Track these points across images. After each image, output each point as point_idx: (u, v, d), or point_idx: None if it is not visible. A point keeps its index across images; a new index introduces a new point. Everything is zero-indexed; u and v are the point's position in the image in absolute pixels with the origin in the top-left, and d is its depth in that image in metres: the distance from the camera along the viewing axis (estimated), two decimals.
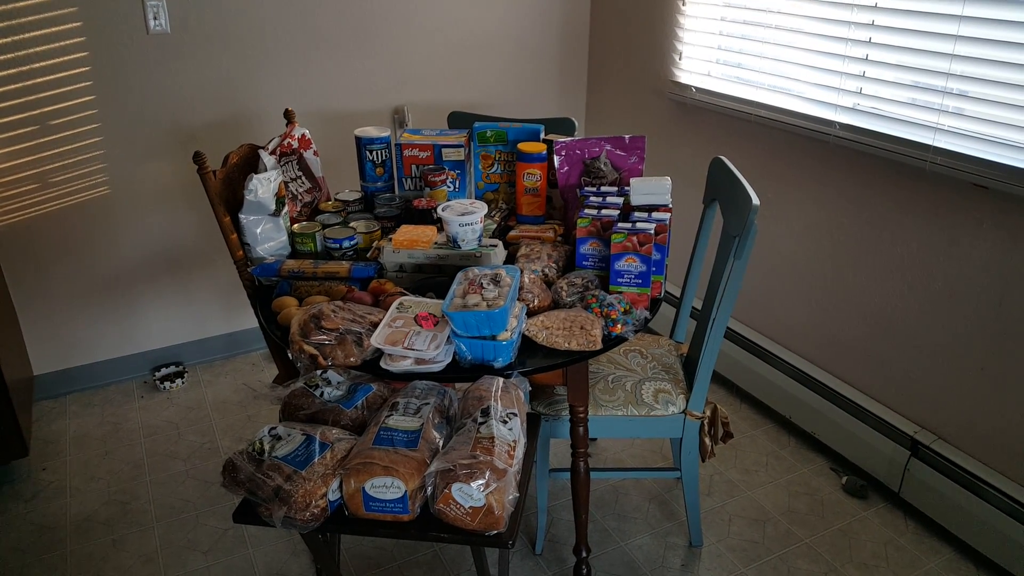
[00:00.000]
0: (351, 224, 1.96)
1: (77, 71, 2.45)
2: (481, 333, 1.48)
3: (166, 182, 2.70)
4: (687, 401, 1.89)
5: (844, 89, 2.21)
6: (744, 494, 2.28)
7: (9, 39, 2.33)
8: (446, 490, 1.32)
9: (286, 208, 1.95)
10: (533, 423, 1.72)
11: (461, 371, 1.52)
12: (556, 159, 1.96)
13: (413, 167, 2.12)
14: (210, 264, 2.87)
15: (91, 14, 2.41)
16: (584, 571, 1.92)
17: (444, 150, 2.09)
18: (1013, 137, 1.83)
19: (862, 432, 2.26)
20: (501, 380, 1.51)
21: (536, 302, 1.66)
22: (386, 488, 1.34)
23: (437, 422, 1.47)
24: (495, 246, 1.81)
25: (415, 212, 1.96)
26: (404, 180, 2.15)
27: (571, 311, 1.62)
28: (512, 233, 1.95)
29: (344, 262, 1.80)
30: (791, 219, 2.49)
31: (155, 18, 2.49)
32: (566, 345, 1.57)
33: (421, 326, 1.53)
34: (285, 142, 2.07)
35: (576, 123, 2.42)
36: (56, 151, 2.51)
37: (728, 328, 2.71)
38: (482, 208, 1.79)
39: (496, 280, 1.55)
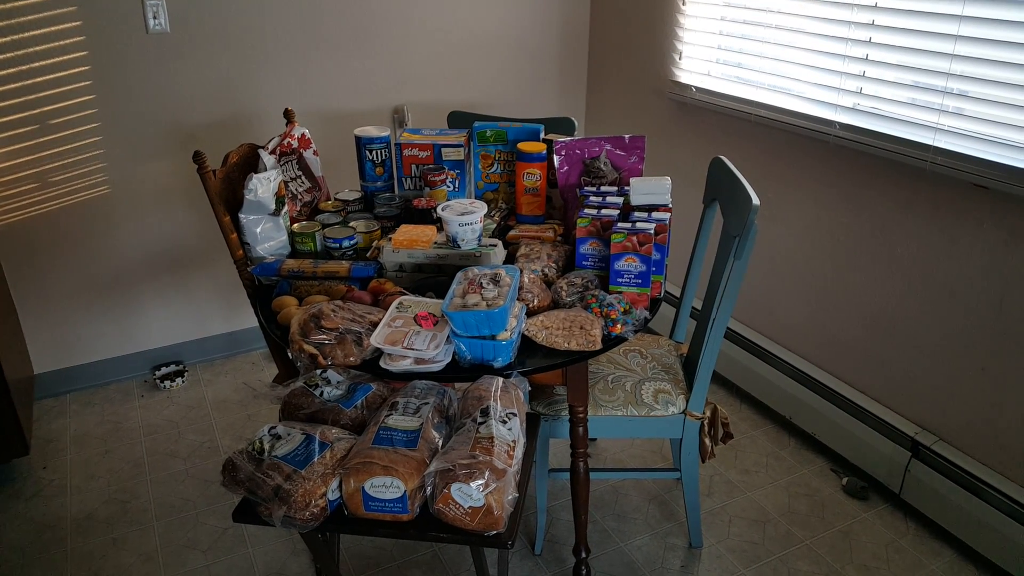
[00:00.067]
0: (351, 224, 1.96)
1: (77, 70, 2.45)
2: (481, 333, 1.48)
3: (166, 181, 2.70)
4: (687, 401, 1.89)
5: (844, 89, 2.21)
6: (744, 495, 2.28)
7: (9, 38, 2.33)
8: (445, 490, 1.32)
9: (286, 208, 1.95)
10: (533, 423, 1.71)
11: (461, 371, 1.51)
12: (556, 159, 1.96)
13: (413, 167, 2.12)
14: (210, 263, 2.87)
15: (91, 13, 2.41)
16: (583, 571, 1.92)
17: (444, 150, 2.08)
18: (1013, 137, 1.83)
19: (863, 433, 2.26)
20: (501, 380, 1.51)
21: (536, 302, 1.66)
22: (385, 488, 1.34)
23: (436, 422, 1.46)
24: (495, 246, 1.81)
25: (415, 212, 1.96)
26: (404, 180, 2.15)
27: (571, 311, 1.62)
28: (512, 233, 1.95)
29: (344, 262, 1.80)
30: (791, 219, 2.48)
31: (155, 17, 2.49)
32: (566, 345, 1.57)
33: (421, 326, 1.53)
34: (285, 142, 2.07)
35: (576, 123, 2.42)
36: (56, 151, 2.51)
37: (728, 328, 2.71)
38: (482, 208, 1.79)
39: (496, 280, 1.55)
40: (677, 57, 2.81)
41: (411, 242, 1.78)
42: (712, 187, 1.99)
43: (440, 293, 1.72)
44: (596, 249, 1.76)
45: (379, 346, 1.49)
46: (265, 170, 1.93)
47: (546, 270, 1.77)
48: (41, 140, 2.48)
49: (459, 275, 1.59)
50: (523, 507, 1.44)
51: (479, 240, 1.79)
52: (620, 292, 1.71)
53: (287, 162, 2.08)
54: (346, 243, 1.87)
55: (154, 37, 2.52)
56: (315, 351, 1.50)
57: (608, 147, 1.96)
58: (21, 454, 2.27)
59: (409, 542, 2.11)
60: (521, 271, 1.67)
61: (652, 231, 1.66)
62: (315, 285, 1.77)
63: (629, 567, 2.03)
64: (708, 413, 1.90)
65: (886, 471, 2.21)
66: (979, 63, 1.87)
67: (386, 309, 1.60)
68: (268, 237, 1.90)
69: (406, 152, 2.10)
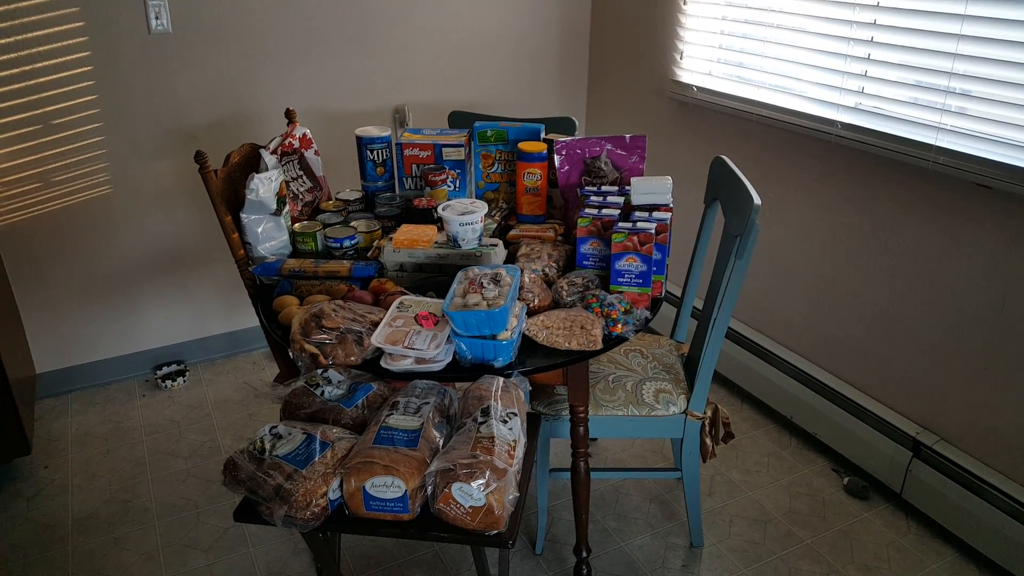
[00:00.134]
0: (352, 223, 1.97)
1: (79, 70, 2.46)
2: (481, 332, 1.48)
3: (168, 181, 2.70)
4: (688, 401, 1.89)
5: (846, 88, 2.21)
6: (745, 494, 2.28)
7: (11, 39, 2.34)
8: (446, 489, 1.32)
9: (287, 207, 1.95)
10: (533, 423, 1.71)
11: (461, 370, 1.52)
12: (556, 158, 1.96)
13: (414, 166, 2.12)
14: (211, 263, 2.87)
15: (93, 14, 2.41)
16: (584, 571, 1.92)
17: (444, 149, 2.09)
18: (1016, 137, 1.83)
19: (864, 433, 2.25)
20: (501, 380, 1.51)
21: (536, 302, 1.66)
22: (386, 487, 1.34)
23: (437, 421, 1.47)
24: (495, 245, 1.81)
25: (415, 211, 1.96)
26: (405, 179, 2.15)
27: (571, 311, 1.62)
28: (512, 232, 1.95)
29: (345, 261, 1.80)
30: (792, 219, 2.48)
31: (157, 18, 2.49)
32: (566, 345, 1.57)
33: (421, 325, 1.53)
34: (286, 141, 2.07)
35: (576, 122, 2.42)
36: (58, 150, 2.51)
37: (729, 328, 2.71)
38: (482, 207, 1.79)
39: (496, 279, 1.55)
40: (678, 56, 2.81)
41: (412, 242, 1.78)
42: (713, 187, 1.99)
43: (441, 293, 1.72)
44: (597, 249, 1.76)
45: (380, 346, 1.49)
46: (266, 170, 1.93)
47: (547, 270, 1.77)
48: (43, 140, 2.48)
49: (460, 275, 1.59)
50: (524, 507, 1.44)
51: (480, 240, 1.79)
52: (621, 292, 1.71)
53: (288, 162, 2.08)
54: (347, 243, 1.87)
55: (156, 37, 2.52)
56: (316, 351, 1.50)
57: (609, 147, 1.96)
58: (23, 453, 2.28)
59: (410, 542, 2.11)
60: (522, 271, 1.67)
61: (653, 231, 1.66)
62: (316, 285, 1.77)
63: (630, 567, 2.03)
64: (709, 413, 1.90)
65: (887, 471, 2.21)
66: (982, 62, 1.87)
67: (387, 309, 1.60)
68: (269, 237, 1.90)
69: (407, 152, 2.10)
